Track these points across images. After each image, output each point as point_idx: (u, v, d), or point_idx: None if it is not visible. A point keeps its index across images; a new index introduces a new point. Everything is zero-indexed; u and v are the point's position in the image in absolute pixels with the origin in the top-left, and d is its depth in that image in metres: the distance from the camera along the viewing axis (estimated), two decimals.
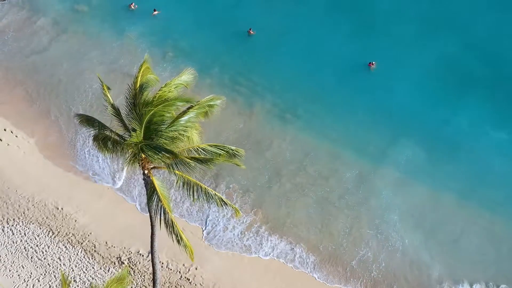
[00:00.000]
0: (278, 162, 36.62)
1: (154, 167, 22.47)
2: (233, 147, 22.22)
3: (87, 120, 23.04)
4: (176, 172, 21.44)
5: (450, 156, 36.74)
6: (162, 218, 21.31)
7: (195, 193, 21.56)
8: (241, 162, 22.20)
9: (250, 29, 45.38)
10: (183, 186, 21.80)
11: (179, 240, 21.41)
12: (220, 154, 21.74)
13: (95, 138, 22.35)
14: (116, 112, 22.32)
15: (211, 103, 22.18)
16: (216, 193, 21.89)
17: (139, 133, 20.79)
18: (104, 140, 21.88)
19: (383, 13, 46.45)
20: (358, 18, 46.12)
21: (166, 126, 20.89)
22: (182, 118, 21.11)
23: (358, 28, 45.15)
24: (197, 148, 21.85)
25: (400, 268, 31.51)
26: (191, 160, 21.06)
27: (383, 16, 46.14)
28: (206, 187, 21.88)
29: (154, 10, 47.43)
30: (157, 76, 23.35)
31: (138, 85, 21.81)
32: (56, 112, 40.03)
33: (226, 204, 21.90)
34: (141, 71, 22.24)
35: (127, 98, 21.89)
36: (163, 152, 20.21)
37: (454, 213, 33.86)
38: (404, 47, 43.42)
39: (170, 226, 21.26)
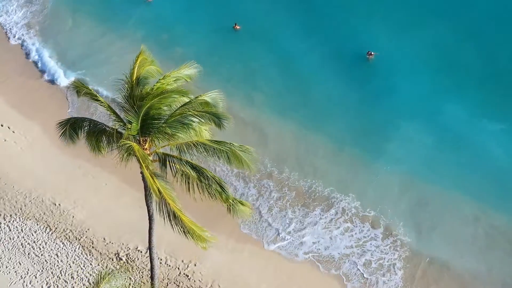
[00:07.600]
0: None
1: (153, 161, 21.91)
2: (236, 144, 20.50)
3: (74, 124, 21.53)
4: (176, 165, 20.85)
5: (447, 147, 36.20)
6: (164, 210, 19.91)
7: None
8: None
9: (235, 24, 44.27)
10: (181, 179, 20.67)
11: (185, 232, 19.83)
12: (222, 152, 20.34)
13: (88, 135, 21.25)
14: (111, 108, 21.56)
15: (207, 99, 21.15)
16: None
17: (136, 126, 19.97)
18: (98, 136, 20.96)
19: (381, 2, 45.86)
20: (354, 7, 45.37)
21: (164, 121, 20.12)
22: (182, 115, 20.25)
23: (354, 17, 44.40)
24: (196, 143, 20.54)
25: None
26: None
27: (380, 5, 45.54)
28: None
29: None
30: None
31: (134, 78, 20.91)
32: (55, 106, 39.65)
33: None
34: (137, 63, 21.30)
35: (122, 91, 20.95)
36: None
37: (446, 204, 33.45)
38: (403, 37, 42.74)
39: (173, 217, 19.80)
